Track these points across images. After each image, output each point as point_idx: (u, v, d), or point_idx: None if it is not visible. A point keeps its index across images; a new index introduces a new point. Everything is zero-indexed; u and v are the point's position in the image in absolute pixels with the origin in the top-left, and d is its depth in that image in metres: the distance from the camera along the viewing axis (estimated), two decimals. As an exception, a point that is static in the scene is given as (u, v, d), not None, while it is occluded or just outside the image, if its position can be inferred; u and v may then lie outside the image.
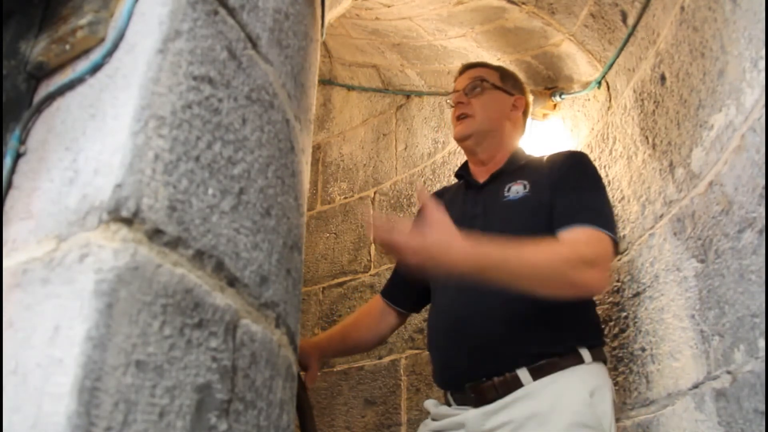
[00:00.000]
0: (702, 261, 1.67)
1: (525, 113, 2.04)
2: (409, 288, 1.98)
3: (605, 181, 2.28)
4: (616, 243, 1.57)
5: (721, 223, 1.57)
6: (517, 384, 1.53)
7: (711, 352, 1.60)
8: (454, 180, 2.16)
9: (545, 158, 1.86)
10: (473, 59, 2.76)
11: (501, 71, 2.02)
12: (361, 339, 2.03)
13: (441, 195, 2.06)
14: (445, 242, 1.33)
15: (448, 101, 2.03)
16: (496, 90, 1.93)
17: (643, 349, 1.94)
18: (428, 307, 1.95)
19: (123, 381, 0.57)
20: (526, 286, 1.41)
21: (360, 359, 2.94)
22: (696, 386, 1.67)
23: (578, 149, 2.37)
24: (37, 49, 0.83)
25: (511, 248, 1.39)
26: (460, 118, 1.92)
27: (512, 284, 1.40)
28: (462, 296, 1.65)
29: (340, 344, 2.01)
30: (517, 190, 1.74)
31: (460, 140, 1.93)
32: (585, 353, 1.54)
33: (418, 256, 1.33)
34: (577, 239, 1.50)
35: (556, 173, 1.72)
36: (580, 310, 1.62)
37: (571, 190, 1.66)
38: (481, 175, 1.89)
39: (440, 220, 1.35)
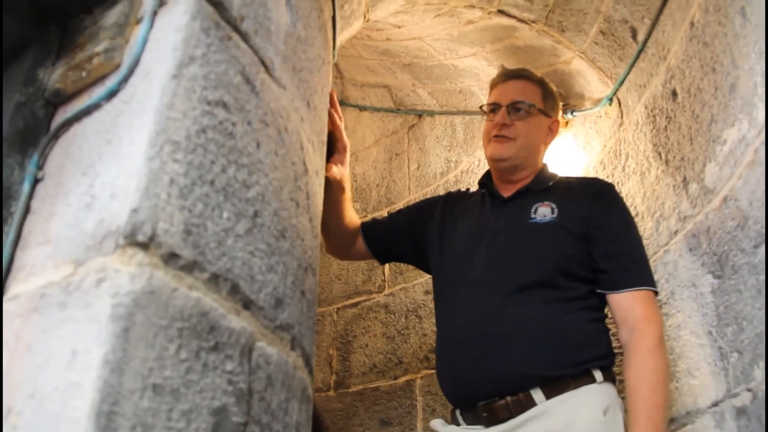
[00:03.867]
0: (718, 277, 1.66)
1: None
2: (393, 242, 1.97)
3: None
4: (656, 292, 1.65)
5: (736, 238, 1.56)
6: (531, 403, 1.51)
7: (730, 369, 1.58)
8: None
9: (573, 181, 1.85)
10: (484, 78, 2.77)
11: (543, 88, 1.94)
12: (339, 225, 1.88)
13: (463, 197, 2.01)
14: None
15: (483, 109, 1.96)
16: (539, 114, 1.88)
17: (661, 367, 1.92)
18: (437, 311, 1.90)
19: (140, 405, 0.57)
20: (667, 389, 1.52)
21: (375, 380, 2.92)
22: (716, 404, 1.65)
23: (599, 176, 2.37)
24: (54, 76, 0.84)
25: (646, 398, 1.46)
26: (498, 138, 1.84)
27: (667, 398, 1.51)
28: (479, 313, 1.63)
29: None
30: (544, 212, 1.72)
31: (496, 161, 1.86)
32: (597, 374, 1.54)
33: None
34: (635, 315, 1.56)
35: (589, 208, 1.71)
36: (597, 332, 1.61)
37: (615, 236, 1.68)
38: (505, 189, 1.87)
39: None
